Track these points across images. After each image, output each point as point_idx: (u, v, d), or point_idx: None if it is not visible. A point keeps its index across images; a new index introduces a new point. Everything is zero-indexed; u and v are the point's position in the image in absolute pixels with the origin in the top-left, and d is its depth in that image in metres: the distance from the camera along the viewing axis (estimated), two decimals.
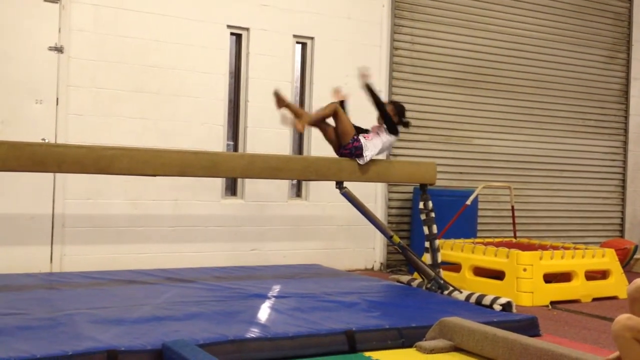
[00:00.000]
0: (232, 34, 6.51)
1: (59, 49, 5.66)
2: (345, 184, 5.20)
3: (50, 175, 5.56)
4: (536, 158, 8.29)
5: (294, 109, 5.30)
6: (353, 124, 5.14)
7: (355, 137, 5.06)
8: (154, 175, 4.84)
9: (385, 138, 5.18)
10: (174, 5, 6.14)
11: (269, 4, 6.56)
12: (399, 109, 5.29)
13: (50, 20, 5.65)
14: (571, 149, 8.57)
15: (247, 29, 6.51)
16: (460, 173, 7.74)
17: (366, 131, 5.23)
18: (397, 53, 7.37)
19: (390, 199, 7.28)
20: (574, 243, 6.83)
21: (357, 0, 7.04)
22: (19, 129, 5.47)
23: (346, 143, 5.05)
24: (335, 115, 5.09)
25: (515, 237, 6.89)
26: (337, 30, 6.89)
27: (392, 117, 5.19)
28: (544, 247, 6.14)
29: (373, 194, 7.03)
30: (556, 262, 5.64)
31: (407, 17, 7.44)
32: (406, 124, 5.33)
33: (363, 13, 7.10)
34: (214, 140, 6.30)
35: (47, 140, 5.54)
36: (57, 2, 5.67)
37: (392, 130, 5.20)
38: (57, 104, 5.66)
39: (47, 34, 5.64)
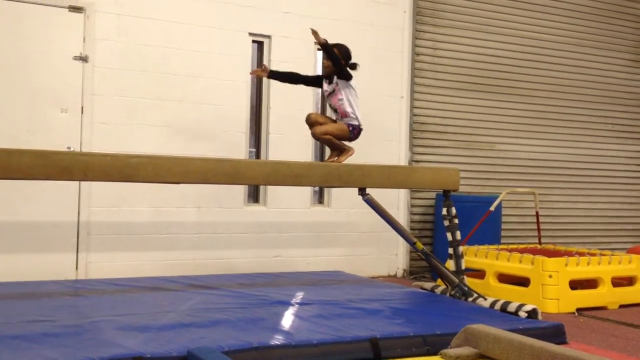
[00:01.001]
0: (254, 41, 6.54)
1: (83, 59, 5.73)
2: (368, 190, 5.18)
3: (76, 183, 5.62)
4: (560, 163, 8.21)
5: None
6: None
7: (349, 127, 5.24)
8: (178, 183, 4.87)
9: (351, 94, 5.23)
10: (196, 13, 6.19)
11: (290, 11, 6.58)
12: (344, 52, 5.27)
13: (75, 30, 5.72)
14: (596, 153, 8.48)
15: (269, 37, 6.54)
16: (484, 179, 7.69)
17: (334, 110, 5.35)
18: (419, 59, 7.35)
19: (412, 205, 7.25)
20: (599, 249, 6.74)
21: (378, 7, 7.04)
22: (45, 137, 5.54)
23: (349, 137, 5.29)
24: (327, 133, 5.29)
25: (540, 243, 6.82)
26: (359, 36, 6.89)
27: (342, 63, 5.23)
28: (569, 254, 6.06)
29: (395, 200, 7.01)
30: (582, 268, 5.57)
31: (429, 23, 7.42)
32: (353, 66, 5.30)
33: (384, 19, 7.10)
34: (236, 148, 6.33)
35: (72, 149, 5.60)
36: (81, 12, 5.74)
37: (346, 76, 5.21)
38: (82, 113, 5.73)
39: (72, 43, 5.71)
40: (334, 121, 5.38)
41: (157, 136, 6.00)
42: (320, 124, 5.33)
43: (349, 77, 5.22)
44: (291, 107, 6.59)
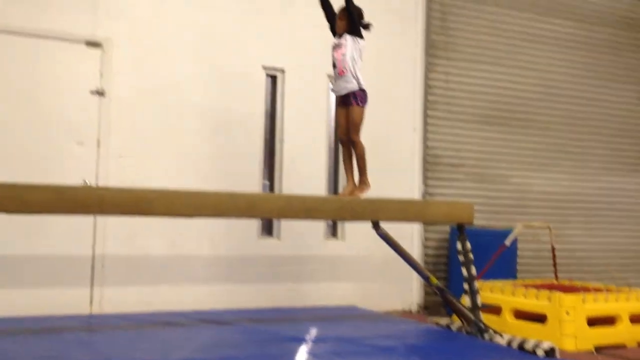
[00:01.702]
0: (267, 75, 6.59)
1: (100, 92, 5.80)
2: (381, 224, 5.16)
3: (91, 216, 5.64)
4: (576, 196, 8.15)
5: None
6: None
7: (357, 103, 5.06)
8: (192, 217, 4.87)
9: (355, 51, 5.08)
10: (210, 47, 6.25)
11: (303, 44, 6.63)
12: (358, 12, 5.16)
13: (92, 64, 5.80)
14: (610, 186, 8.41)
15: (282, 70, 6.59)
16: (498, 212, 7.64)
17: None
18: (432, 91, 7.37)
19: (426, 239, 7.20)
20: (616, 285, 6.64)
21: (390, 39, 7.08)
22: (62, 170, 5.58)
23: (364, 107, 5.12)
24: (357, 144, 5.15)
25: (556, 278, 6.73)
26: (371, 69, 6.89)
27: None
28: (586, 289, 5.98)
29: (409, 233, 6.96)
30: (600, 305, 5.48)
31: (441, 56, 7.46)
32: (367, 26, 5.19)
33: (397, 52, 7.14)
34: (250, 180, 6.33)
35: (88, 182, 5.63)
36: (98, 47, 5.82)
37: (357, 32, 5.09)
38: (98, 146, 5.78)
39: (89, 77, 5.78)
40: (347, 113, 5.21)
41: (172, 168, 6.02)
42: (348, 131, 5.16)
43: (359, 34, 5.10)
44: (305, 140, 6.62)
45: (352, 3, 5.09)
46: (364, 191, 5.25)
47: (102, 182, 5.69)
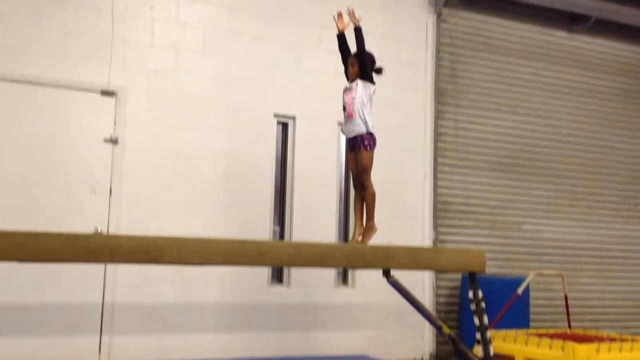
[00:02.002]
0: (278, 122, 6.67)
1: (113, 141, 5.87)
2: (392, 271, 5.12)
3: (101, 264, 5.65)
4: (588, 244, 8.08)
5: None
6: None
7: (367, 147, 5.07)
8: (202, 265, 4.87)
9: (365, 95, 5.09)
10: (222, 95, 6.35)
11: (314, 92, 6.72)
12: (370, 58, 5.19)
13: (106, 113, 5.90)
14: (623, 234, 8.34)
15: (293, 117, 6.67)
16: (510, 260, 7.57)
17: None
18: (441, 139, 7.41)
19: (438, 287, 7.14)
20: (631, 334, 6.53)
21: (399, 89, 7.15)
22: (75, 218, 5.62)
23: (373, 152, 5.11)
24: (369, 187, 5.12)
25: (570, 327, 6.63)
26: (381, 116, 6.95)
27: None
28: (600, 339, 5.88)
29: (420, 281, 6.91)
30: (614, 355, 5.37)
31: (450, 103, 7.52)
32: (379, 71, 5.22)
33: (406, 100, 7.21)
34: (261, 226, 6.35)
35: (100, 229, 5.66)
36: (113, 97, 5.93)
37: (370, 78, 5.12)
38: (110, 194, 5.82)
39: (103, 126, 5.87)
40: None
41: (183, 215, 6.05)
42: (360, 174, 5.17)
43: (371, 80, 5.14)
44: (315, 186, 6.64)
45: (364, 50, 5.18)
46: (371, 235, 5.22)
47: (114, 230, 5.72)
